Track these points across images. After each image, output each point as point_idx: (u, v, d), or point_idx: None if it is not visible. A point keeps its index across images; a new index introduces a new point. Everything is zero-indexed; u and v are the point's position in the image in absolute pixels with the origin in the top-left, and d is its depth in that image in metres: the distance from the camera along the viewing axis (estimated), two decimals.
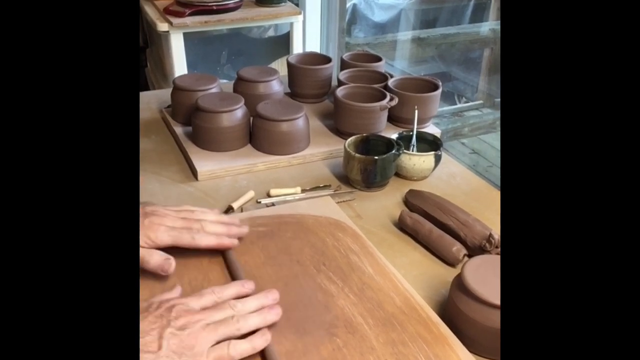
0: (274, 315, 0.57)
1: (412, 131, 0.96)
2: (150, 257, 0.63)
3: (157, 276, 0.63)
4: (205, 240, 0.66)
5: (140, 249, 0.63)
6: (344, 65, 1.20)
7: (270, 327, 0.57)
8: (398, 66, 3.13)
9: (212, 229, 0.68)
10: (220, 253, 0.68)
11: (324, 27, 2.41)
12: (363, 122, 1.00)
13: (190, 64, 2.00)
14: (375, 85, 1.06)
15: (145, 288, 0.62)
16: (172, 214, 0.68)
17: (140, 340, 0.49)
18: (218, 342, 0.53)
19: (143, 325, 0.51)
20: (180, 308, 0.54)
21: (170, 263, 0.63)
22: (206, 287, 0.63)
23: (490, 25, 3.16)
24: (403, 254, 0.76)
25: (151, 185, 0.90)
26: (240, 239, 0.70)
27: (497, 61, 3.15)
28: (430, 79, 1.10)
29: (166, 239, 0.64)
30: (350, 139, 0.91)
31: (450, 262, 0.73)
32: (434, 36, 3.10)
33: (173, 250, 0.67)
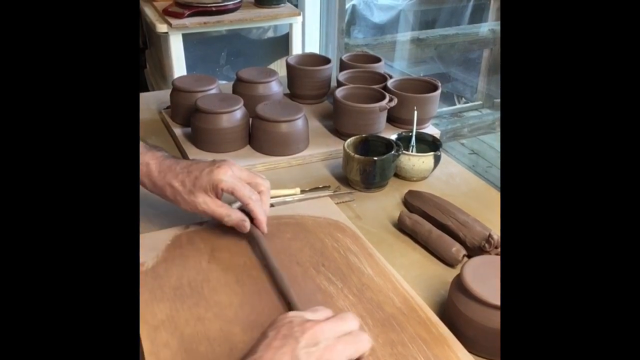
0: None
1: (412, 132, 0.96)
2: (232, 213, 0.68)
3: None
4: (257, 208, 0.69)
5: (223, 208, 0.68)
6: (343, 66, 1.20)
7: None
8: (397, 67, 3.13)
9: (266, 206, 0.71)
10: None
11: (323, 28, 2.41)
12: (362, 123, 1.00)
13: (189, 65, 2.00)
14: (375, 86, 1.06)
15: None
16: (242, 169, 0.71)
17: None
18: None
19: (271, 355, 0.45)
20: (299, 321, 0.48)
21: (247, 225, 0.69)
22: (206, 289, 0.63)
23: (490, 26, 3.16)
24: (402, 254, 0.76)
25: None
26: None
27: (496, 62, 3.15)
28: (430, 80, 1.10)
29: (229, 183, 0.67)
30: (350, 140, 0.91)
31: (449, 263, 0.73)
32: (433, 37, 3.10)
33: (175, 248, 0.68)
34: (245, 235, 0.71)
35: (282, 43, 2.28)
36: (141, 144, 0.72)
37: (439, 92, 1.07)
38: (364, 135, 0.93)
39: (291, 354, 0.45)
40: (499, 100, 3.04)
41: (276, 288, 0.63)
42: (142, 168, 0.71)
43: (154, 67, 2.47)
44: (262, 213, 0.70)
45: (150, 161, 0.71)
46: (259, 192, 0.71)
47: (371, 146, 0.92)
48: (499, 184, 0.69)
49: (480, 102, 3.27)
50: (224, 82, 1.30)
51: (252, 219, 0.70)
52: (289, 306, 0.59)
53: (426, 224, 0.77)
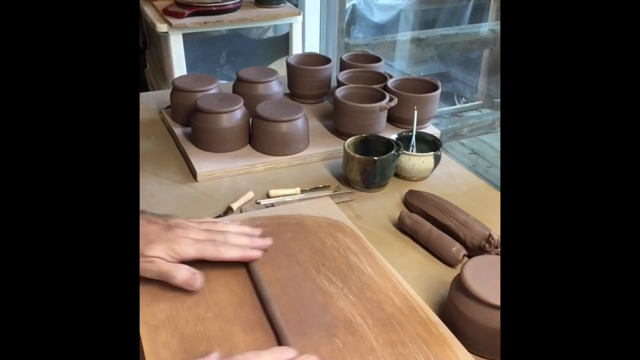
0: None
1: (412, 132, 0.96)
2: (177, 272, 0.61)
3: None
4: (230, 253, 0.65)
5: (167, 264, 0.62)
6: (343, 65, 1.20)
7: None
8: (397, 67, 3.13)
9: (235, 241, 0.66)
10: (242, 265, 0.67)
11: (323, 28, 2.41)
12: (362, 123, 1.00)
13: (189, 65, 2.00)
14: (375, 86, 1.06)
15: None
16: (195, 226, 0.66)
17: None
18: None
19: None
20: None
21: (196, 278, 0.62)
22: (205, 289, 0.63)
23: (490, 26, 3.16)
24: (402, 254, 0.76)
25: (150, 186, 0.90)
26: (264, 250, 0.68)
27: (496, 62, 3.15)
28: (430, 80, 1.10)
29: (191, 251, 0.63)
30: (350, 140, 0.91)
31: (449, 263, 0.73)
32: (434, 37, 3.10)
33: None
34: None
35: (282, 43, 2.28)
36: None
37: (439, 92, 1.07)
38: (364, 135, 0.93)
39: None
40: (499, 100, 3.04)
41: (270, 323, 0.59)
42: None
43: (154, 66, 2.47)
44: (239, 251, 0.65)
45: None
46: (220, 233, 0.66)
47: (371, 146, 0.92)
48: (499, 184, 0.69)
49: (480, 102, 3.28)
50: (224, 81, 1.30)
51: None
52: (279, 342, 0.56)
53: (426, 224, 0.77)
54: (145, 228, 0.64)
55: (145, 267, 0.61)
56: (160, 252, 0.62)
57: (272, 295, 0.61)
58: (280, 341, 0.56)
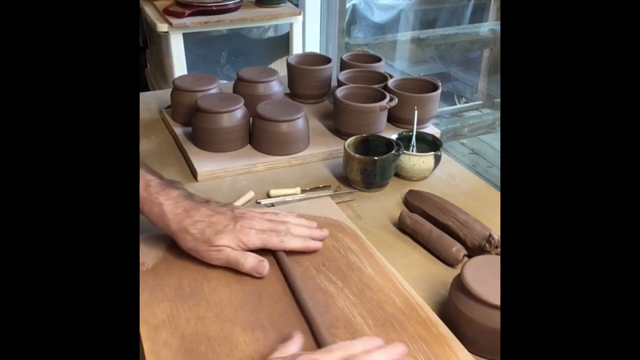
0: None
1: (412, 131, 0.96)
2: (245, 260, 0.65)
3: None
4: (292, 243, 0.68)
5: (235, 252, 0.65)
6: (343, 65, 1.20)
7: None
8: (398, 67, 3.13)
9: (297, 232, 0.69)
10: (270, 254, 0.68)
11: (324, 28, 2.41)
12: (363, 123, 1.00)
13: (189, 65, 2.00)
14: (375, 86, 1.06)
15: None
16: (259, 216, 0.69)
17: None
18: None
19: None
20: None
21: (264, 265, 0.65)
22: (206, 289, 0.63)
23: (490, 26, 3.16)
24: (403, 254, 0.76)
25: None
26: (322, 241, 0.71)
27: (496, 61, 3.15)
28: (430, 80, 1.10)
29: (257, 242, 0.66)
30: (350, 140, 0.91)
31: (450, 263, 0.73)
32: (434, 37, 3.10)
33: (175, 248, 0.68)
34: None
35: (283, 42, 2.28)
36: (155, 180, 0.68)
37: (439, 91, 1.07)
38: (364, 135, 0.93)
39: None
40: (499, 100, 3.04)
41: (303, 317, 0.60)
42: (155, 208, 0.66)
43: (154, 66, 2.47)
44: (301, 242, 0.68)
45: (165, 202, 0.66)
46: (282, 223, 0.69)
47: (371, 146, 0.92)
48: (499, 183, 0.69)
49: (480, 102, 3.27)
50: (224, 81, 1.30)
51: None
52: (313, 335, 0.57)
53: (426, 224, 0.77)
54: (213, 218, 0.66)
55: (215, 255, 0.65)
56: (228, 241, 0.65)
57: (277, 294, 0.62)
58: (313, 331, 0.57)
